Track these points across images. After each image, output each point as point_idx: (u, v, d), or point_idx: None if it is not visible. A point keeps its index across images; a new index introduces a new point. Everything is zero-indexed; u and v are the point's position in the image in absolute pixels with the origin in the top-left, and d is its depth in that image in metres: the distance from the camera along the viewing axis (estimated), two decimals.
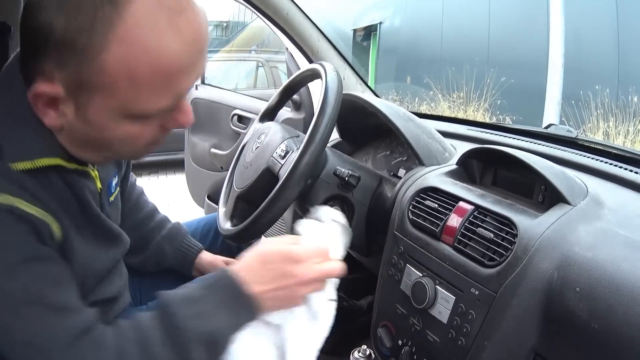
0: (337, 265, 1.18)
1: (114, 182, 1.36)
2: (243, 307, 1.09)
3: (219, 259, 1.81)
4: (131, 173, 1.66)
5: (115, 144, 1.04)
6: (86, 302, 1.07)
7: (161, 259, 1.73)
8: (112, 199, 1.34)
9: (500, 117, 10.30)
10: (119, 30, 0.86)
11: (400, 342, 1.41)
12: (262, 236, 1.48)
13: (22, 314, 0.93)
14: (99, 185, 1.22)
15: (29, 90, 0.94)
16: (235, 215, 1.62)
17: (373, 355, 1.63)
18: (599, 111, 8.86)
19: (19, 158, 0.96)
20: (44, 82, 0.92)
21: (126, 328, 1.03)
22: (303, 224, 1.30)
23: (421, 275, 1.34)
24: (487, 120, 9.92)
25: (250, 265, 1.13)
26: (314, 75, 1.58)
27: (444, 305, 1.26)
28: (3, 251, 0.92)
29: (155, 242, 1.73)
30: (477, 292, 1.18)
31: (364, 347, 1.66)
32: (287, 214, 2.32)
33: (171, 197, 6.48)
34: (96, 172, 1.20)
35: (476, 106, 11.09)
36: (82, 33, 0.86)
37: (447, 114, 11.07)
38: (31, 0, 0.90)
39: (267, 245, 1.18)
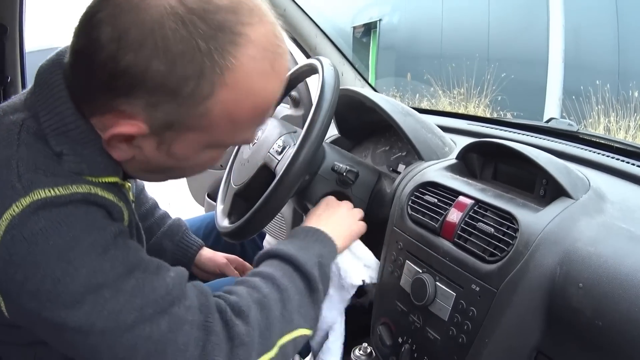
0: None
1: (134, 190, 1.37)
2: (326, 240, 1.33)
3: (219, 255, 1.80)
4: None
5: (190, 169, 1.10)
6: None
7: (161, 255, 1.69)
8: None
9: (501, 113, 10.30)
10: (227, 77, 0.88)
11: (400, 340, 1.39)
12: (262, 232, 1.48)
13: (123, 287, 0.93)
14: (132, 196, 1.23)
15: (95, 119, 0.95)
16: (233, 213, 1.61)
17: (374, 354, 1.62)
18: (599, 106, 8.86)
19: (84, 174, 0.96)
20: (123, 121, 0.91)
21: (247, 277, 1.19)
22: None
23: (421, 271, 1.32)
24: (488, 116, 9.91)
25: (310, 219, 1.41)
26: (311, 70, 1.56)
27: (444, 302, 1.25)
28: (92, 234, 0.91)
29: (155, 238, 1.72)
30: (478, 289, 1.17)
31: (365, 345, 1.65)
32: (287, 211, 2.30)
33: (172, 196, 6.47)
34: (129, 184, 1.20)
35: (477, 102, 11.09)
36: (189, 81, 0.86)
37: (447, 110, 11.07)
38: (103, 35, 0.86)
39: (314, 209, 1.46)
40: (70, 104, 0.95)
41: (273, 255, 1.23)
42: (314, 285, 1.21)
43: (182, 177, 1.18)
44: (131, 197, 1.20)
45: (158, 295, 0.95)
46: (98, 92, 0.90)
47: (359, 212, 1.49)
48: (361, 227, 1.47)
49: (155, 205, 1.79)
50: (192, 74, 0.85)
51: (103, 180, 0.99)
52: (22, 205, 0.86)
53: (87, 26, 0.88)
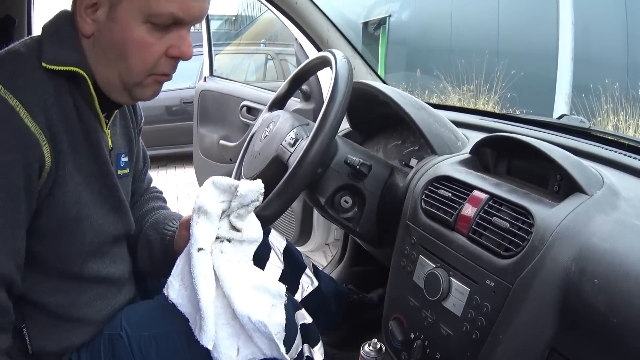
0: None
1: (123, 158, 1.41)
2: None
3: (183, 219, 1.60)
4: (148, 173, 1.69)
5: (130, 51, 1.17)
6: (85, 272, 1.27)
7: (150, 247, 1.61)
8: (120, 172, 1.38)
9: (511, 110, 10.27)
10: None
11: (412, 336, 1.39)
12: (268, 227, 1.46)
13: None
14: (110, 142, 1.33)
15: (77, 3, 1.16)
16: None
17: (384, 349, 1.61)
18: (609, 105, 8.83)
19: (55, 63, 1.15)
20: None
21: None
22: None
23: (434, 266, 1.32)
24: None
25: None
26: (323, 62, 1.55)
27: (458, 297, 1.24)
28: None
29: (142, 233, 1.58)
30: (492, 284, 1.16)
31: (375, 340, 1.64)
32: (297, 204, 2.30)
33: (180, 191, 6.48)
34: (109, 131, 1.32)
35: (486, 99, 11.06)
36: None
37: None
38: None
39: None
40: (68, 13, 1.23)
41: None
42: None
43: (129, 71, 1.22)
44: (109, 142, 1.33)
45: None
46: None
47: None
48: None
49: (149, 199, 1.70)
50: None
51: (72, 69, 1.16)
52: None
53: None
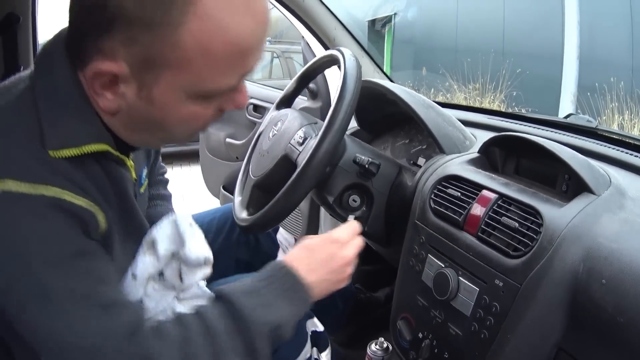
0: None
1: (144, 173, 1.36)
2: (301, 296, 1.15)
3: None
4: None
5: (175, 124, 1.05)
6: None
7: None
8: (142, 190, 1.33)
9: (516, 108, 10.29)
10: (198, 6, 0.87)
11: (420, 335, 1.39)
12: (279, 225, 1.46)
13: (70, 314, 0.91)
14: (134, 175, 1.21)
15: (84, 71, 0.95)
16: (251, 204, 1.60)
17: (390, 348, 1.61)
18: (614, 104, 8.84)
19: (64, 145, 0.95)
20: (105, 60, 0.91)
21: (188, 319, 1.04)
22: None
23: (443, 265, 1.32)
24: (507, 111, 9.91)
25: (300, 256, 1.23)
26: (332, 61, 1.55)
27: (466, 297, 1.24)
28: (49, 247, 0.90)
29: None
30: (501, 284, 1.16)
31: (381, 339, 1.64)
32: (304, 204, 2.30)
33: (186, 189, 6.48)
34: (132, 162, 1.19)
35: (492, 97, 11.08)
36: (159, 9, 0.86)
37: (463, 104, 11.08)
38: None
39: (311, 239, 1.28)
40: (65, 62, 0.98)
41: (226, 301, 1.08)
42: (254, 355, 1.07)
43: (172, 138, 1.12)
44: (133, 175, 1.20)
45: (97, 339, 0.93)
46: (85, 38, 0.92)
47: (353, 264, 1.31)
48: (346, 281, 1.30)
49: (156, 196, 1.70)
50: (162, 1, 0.86)
51: (91, 150, 0.98)
52: None
53: None
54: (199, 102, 1.00)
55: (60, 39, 1.01)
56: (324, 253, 1.25)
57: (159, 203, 1.67)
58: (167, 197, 1.72)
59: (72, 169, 0.96)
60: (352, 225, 1.35)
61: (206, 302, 1.11)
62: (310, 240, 1.28)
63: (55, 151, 0.93)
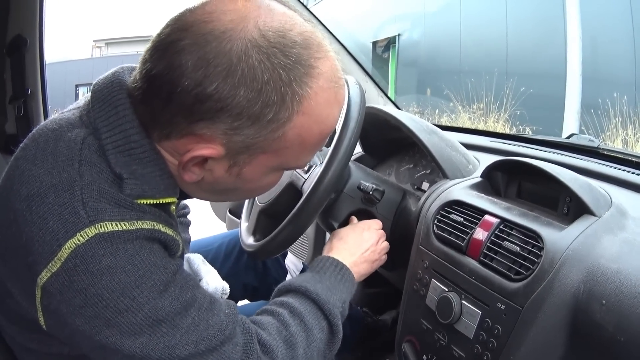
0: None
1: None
2: (350, 278, 1.35)
3: None
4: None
5: (252, 191, 1.18)
6: None
7: None
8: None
9: (520, 127, 10.28)
10: (303, 105, 0.95)
11: (425, 358, 1.40)
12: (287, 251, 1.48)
13: (181, 323, 0.96)
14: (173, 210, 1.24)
15: (166, 141, 0.99)
16: (258, 230, 1.61)
17: None
18: (617, 119, 8.83)
19: (145, 196, 0.98)
20: (201, 143, 0.95)
21: (275, 309, 1.19)
22: None
23: (447, 289, 1.33)
24: (508, 131, 9.88)
25: (337, 246, 1.42)
26: None
27: (469, 320, 1.25)
28: (156, 273, 0.94)
29: None
30: (503, 307, 1.18)
31: None
32: (310, 230, 2.31)
33: (193, 212, 6.47)
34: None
35: (496, 117, 11.07)
36: (271, 107, 0.92)
37: (467, 125, 11.06)
38: (189, 62, 0.89)
39: (338, 230, 1.49)
40: (135, 123, 0.98)
41: (301, 291, 1.23)
42: (335, 330, 1.23)
43: (243, 199, 1.21)
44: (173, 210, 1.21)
45: (211, 333, 1.00)
46: (177, 116, 0.93)
47: (385, 247, 1.51)
48: (381, 262, 1.51)
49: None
50: (274, 101, 0.91)
51: (162, 202, 1.02)
52: (87, 235, 0.89)
53: (168, 53, 0.91)
54: (280, 173, 1.11)
55: (117, 85, 1.01)
56: (356, 238, 1.44)
57: None
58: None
59: (154, 209, 1.01)
60: (374, 220, 1.53)
61: (278, 298, 1.25)
62: (338, 231, 1.48)
63: (139, 200, 0.97)
